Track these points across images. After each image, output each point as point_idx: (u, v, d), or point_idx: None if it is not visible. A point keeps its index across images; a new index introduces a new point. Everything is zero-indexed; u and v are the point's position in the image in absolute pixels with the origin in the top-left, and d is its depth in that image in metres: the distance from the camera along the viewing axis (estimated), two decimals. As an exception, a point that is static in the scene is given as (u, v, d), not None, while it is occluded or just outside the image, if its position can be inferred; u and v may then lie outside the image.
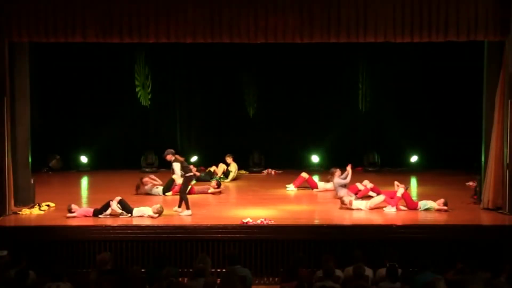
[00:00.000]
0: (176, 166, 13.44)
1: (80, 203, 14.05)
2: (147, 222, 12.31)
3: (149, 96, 18.86)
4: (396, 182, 13.93)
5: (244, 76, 18.90)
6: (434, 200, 13.29)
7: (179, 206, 13.07)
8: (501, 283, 8.47)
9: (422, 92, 18.58)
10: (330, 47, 16.01)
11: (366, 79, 18.89)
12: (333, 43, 13.41)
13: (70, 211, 12.66)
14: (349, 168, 14.74)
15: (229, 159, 17.31)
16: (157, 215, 12.56)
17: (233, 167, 17.28)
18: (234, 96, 19.13)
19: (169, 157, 13.51)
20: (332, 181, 14.90)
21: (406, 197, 13.28)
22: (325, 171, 17.77)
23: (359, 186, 14.53)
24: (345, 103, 18.96)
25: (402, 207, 13.23)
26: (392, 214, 12.95)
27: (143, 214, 12.60)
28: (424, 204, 13.20)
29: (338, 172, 14.82)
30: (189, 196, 14.82)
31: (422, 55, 17.82)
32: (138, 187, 15.09)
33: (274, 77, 18.92)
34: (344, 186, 14.52)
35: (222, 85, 19.07)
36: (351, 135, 18.97)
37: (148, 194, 14.93)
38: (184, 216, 12.77)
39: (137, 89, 18.79)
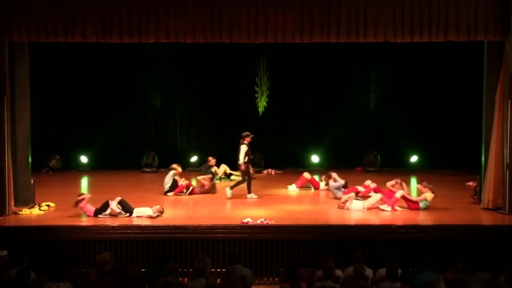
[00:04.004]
0: (242, 149, 14.40)
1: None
2: (147, 222, 12.31)
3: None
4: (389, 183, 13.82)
5: (244, 77, 18.89)
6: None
7: (249, 192, 14.45)
8: (501, 283, 8.46)
9: (422, 92, 18.59)
10: (330, 47, 16.06)
11: (367, 80, 18.88)
12: (334, 44, 13.43)
13: (78, 200, 12.65)
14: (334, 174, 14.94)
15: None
16: (156, 215, 12.57)
17: (222, 169, 17.32)
18: (234, 96, 19.12)
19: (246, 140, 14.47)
20: (327, 182, 14.85)
21: (405, 198, 13.25)
22: (325, 171, 17.81)
23: (359, 188, 14.50)
24: (345, 103, 18.96)
25: (398, 208, 13.20)
26: (389, 214, 12.95)
27: (143, 214, 12.60)
28: (423, 203, 13.20)
29: (334, 175, 14.78)
30: (189, 197, 14.96)
31: (422, 55, 17.80)
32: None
33: (274, 78, 18.92)
34: (339, 188, 14.49)
35: (222, 85, 19.07)
36: (351, 135, 18.97)
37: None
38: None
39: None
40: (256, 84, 18.89)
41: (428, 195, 13.20)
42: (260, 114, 18.96)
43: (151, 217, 12.51)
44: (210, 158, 17.22)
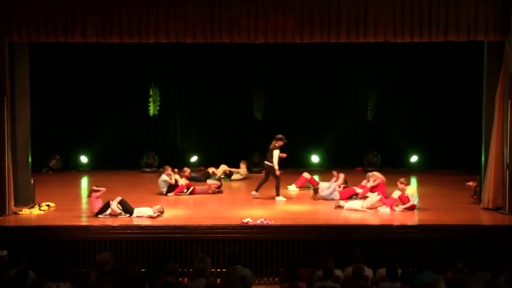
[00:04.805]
0: (276, 153, 14.22)
1: (81, 202, 14.08)
2: (147, 222, 12.32)
3: (158, 108, 18.98)
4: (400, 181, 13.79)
5: (244, 77, 18.89)
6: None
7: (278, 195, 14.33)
8: (501, 283, 8.46)
9: (422, 92, 18.58)
10: (331, 47, 16.05)
11: (367, 80, 18.87)
12: (334, 43, 13.43)
13: (94, 190, 12.72)
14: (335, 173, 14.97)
15: (243, 165, 17.44)
16: (156, 215, 12.57)
17: (244, 171, 17.37)
18: (234, 97, 19.10)
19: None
20: (316, 198, 14.65)
21: (403, 199, 13.24)
22: (325, 171, 17.80)
23: (357, 189, 14.52)
24: (346, 104, 18.95)
25: (396, 208, 13.21)
26: (389, 214, 12.96)
27: (143, 214, 12.60)
28: (414, 199, 13.21)
29: (321, 187, 14.72)
30: (190, 197, 14.96)
31: (422, 55, 17.80)
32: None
33: (274, 78, 18.92)
34: (329, 192, 14.43)
35: (222, 85, 19.06)
36: (351, 135, 18.96)
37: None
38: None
39: (149, 105, 18.92)
40: (253, 99, 18.96)
41: (409, 189, 13.22)
42: (259, 119, 19.01)
43: (151, 217, 12.51)
44: (185, 168, 17.08)
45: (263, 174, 18.08)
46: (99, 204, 12.67)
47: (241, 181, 17.23)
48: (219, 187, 15.54)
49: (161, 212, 12.66)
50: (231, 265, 9.68)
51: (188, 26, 12.81)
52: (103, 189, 12.91)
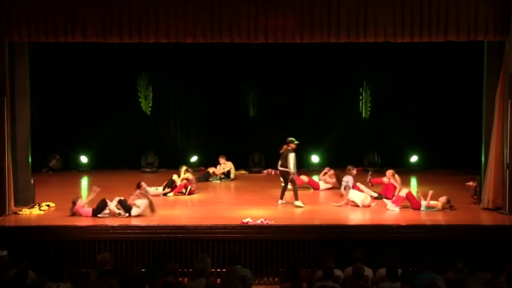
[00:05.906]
0: (292, 157, 13.58)
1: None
2: (147, 222, 12.31)
3: (150, 105, 18.93)
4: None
5: (244, 77, 18.89)
6: (436, 199, 13.32)
7: (296, 199, 13.61)
8: (501, 283, 8.47)
9: (422, 92, 18.57)
10: (331, 48, 16.06)
11: (367, 80, 18.87)
12: (334, 44, 13.42)
13: (74, 203, 12.65)
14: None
15: (222, 160, 17.33)
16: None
17: (229, 166, 17.32)
18: (234, 97, 19.11)
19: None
20: (349, 175, 14.73)
21: (410, 197, 13.26)
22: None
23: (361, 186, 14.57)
24: (346, 104, 18.95)
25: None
26: (389, 214, 12.97)
27: (139, 206, 12.57)
28: (425, 204, 13.19)
29: (355, 171, 14.75)
30: (189, 197, 14.96)
31: (422, 55, 17.80)
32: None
33: (274, 78, 18.92)
34: (347, 186, 14.47)
35: (222, 85, 19.05)
36: (351, 135, 18.95)
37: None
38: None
39: (140, 100, 18.85)
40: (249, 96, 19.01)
41: (439, 205, 13.16)
42: (252, 116, 19.01)
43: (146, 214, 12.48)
44: (214, 170, 17.08)
45: (263, 174, 18.30)
46: (85, 208, 12.65)
47: (241, 181, 17.21)
48: (187, 170, 15.39)
49: (152, 209, 12.60)
50: (231, 265, 9.68)
51: (188, 26, 12.81)
52: (80, 199, 12.82)
